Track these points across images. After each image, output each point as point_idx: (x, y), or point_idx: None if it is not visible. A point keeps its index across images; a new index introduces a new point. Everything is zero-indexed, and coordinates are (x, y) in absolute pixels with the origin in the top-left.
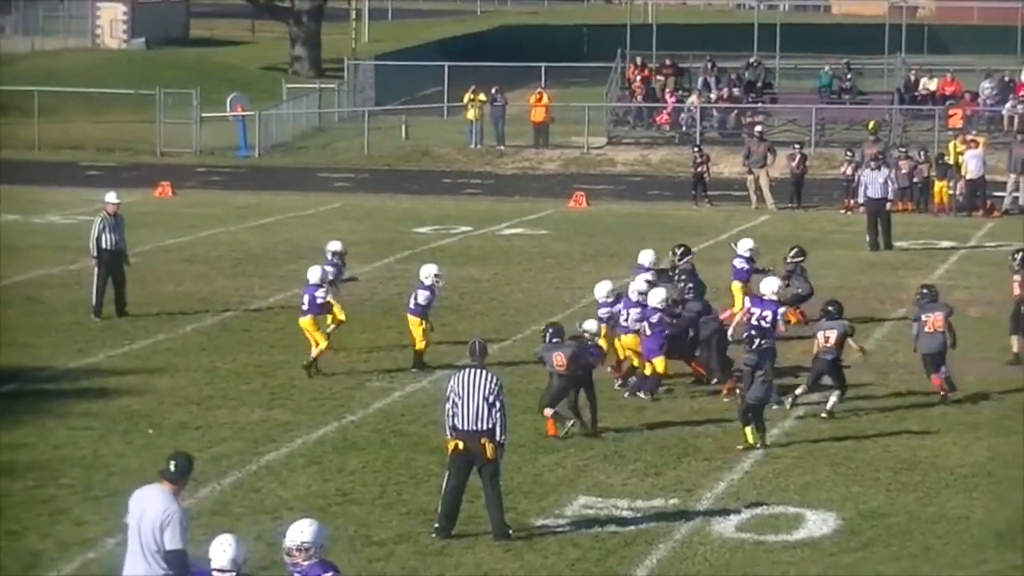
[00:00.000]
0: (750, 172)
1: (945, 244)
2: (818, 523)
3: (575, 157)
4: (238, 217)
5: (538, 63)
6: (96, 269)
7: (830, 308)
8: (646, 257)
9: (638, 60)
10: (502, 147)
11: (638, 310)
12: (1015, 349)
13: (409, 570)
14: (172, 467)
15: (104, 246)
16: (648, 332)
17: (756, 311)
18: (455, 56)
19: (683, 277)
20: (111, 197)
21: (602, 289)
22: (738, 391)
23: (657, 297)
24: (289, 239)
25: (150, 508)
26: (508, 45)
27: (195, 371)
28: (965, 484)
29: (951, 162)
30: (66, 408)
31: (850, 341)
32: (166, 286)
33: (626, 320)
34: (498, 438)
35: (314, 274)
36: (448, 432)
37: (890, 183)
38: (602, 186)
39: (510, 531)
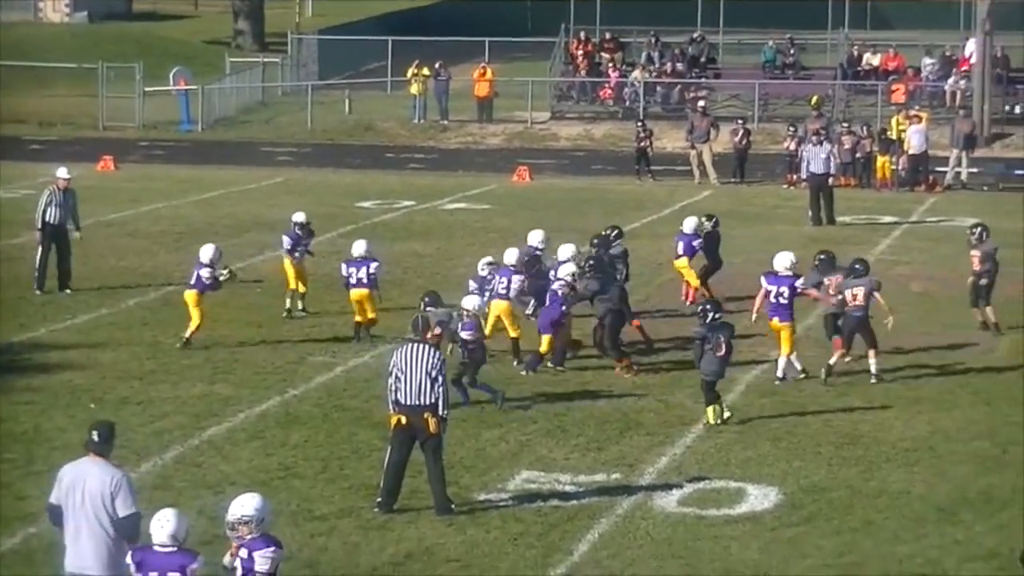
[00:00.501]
0: (693, 147)
1: (887, 219)
2: (759, 498)
3: (518, 132)
4: (181, 191)
5: (482, 38)
6: (40, 243)
7: (857, 266)
8: (535, 237)
9: (582, 35)
10: (445, 122)
11: (511, 278)
12: (981, 319)
13: (351, 545)
14: (96, 437)
15: (48, 220)
16: (547, 302)
17: (772, 288)
18: (399, 30)
19: (589, 259)
20: (62, 172)
21: (483, 262)
22: (634, 370)
23: (565, 271)
24: (232, 213)
25: (91, 481)
26: (452, 20)
27: (137, 345)
28: (906, 458)
29: (894, 137)
30: (7, 383)
31: (878, 296)
32: (108, 260)
33: (501, 287)
34: (440, 413)
35: (205, 252)
36: (390, 407)
37: (832, 158)
38: (545, 161)
39: (452, 505)
